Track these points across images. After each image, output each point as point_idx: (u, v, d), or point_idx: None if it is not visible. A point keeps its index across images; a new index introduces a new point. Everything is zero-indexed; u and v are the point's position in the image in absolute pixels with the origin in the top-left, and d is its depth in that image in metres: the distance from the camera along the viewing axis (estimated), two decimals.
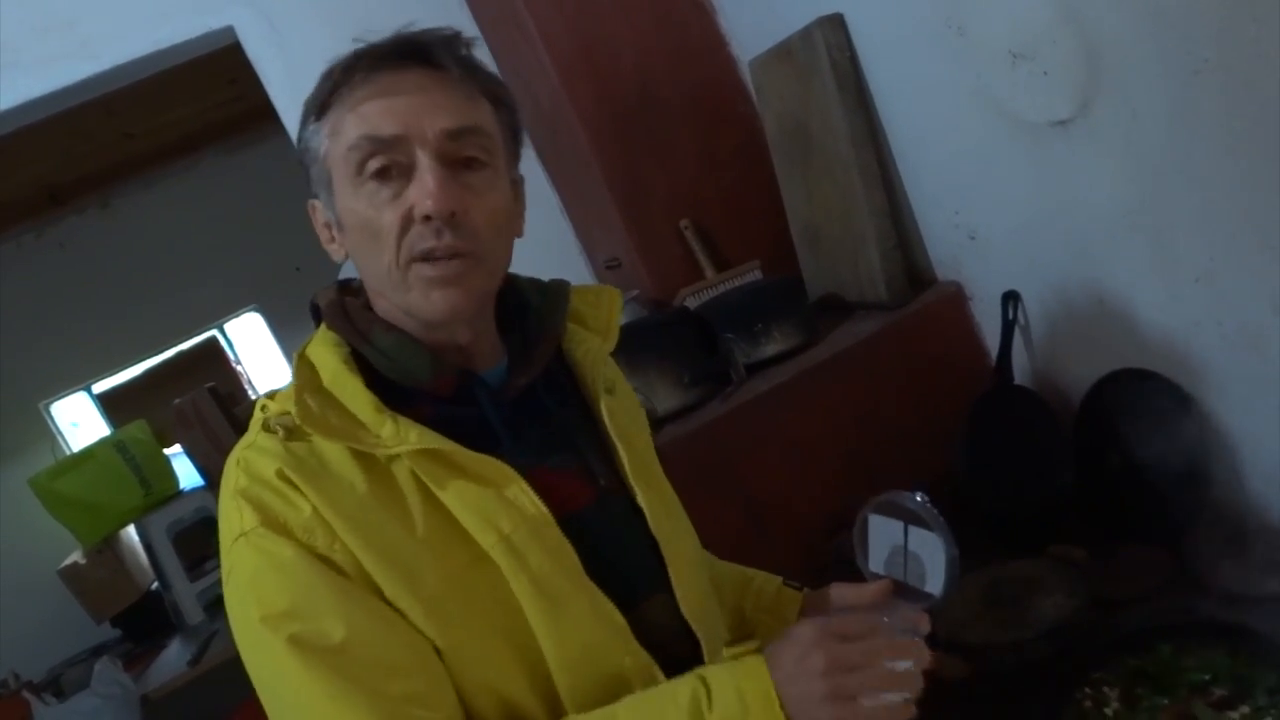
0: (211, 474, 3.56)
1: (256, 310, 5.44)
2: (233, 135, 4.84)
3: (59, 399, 5.21)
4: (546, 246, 2.35)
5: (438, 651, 0.78)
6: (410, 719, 0.75)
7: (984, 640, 1.15)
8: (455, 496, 0.80)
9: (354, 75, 0.82)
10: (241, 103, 4.33)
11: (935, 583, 0.78)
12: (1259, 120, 0.96)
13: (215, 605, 3.52)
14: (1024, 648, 1.11)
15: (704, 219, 1.97)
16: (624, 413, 0.97)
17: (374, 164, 0.81)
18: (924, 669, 0.76)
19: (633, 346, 1.54)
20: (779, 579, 1.10)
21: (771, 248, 1.91)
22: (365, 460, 0.80)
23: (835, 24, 1.57)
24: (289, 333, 5.29)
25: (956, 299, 1.61)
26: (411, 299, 0.83)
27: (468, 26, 1.92)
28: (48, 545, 4.13)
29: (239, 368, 5.42)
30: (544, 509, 0.82)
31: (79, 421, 5.28)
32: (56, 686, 3.41)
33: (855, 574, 0.87)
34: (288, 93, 2.25)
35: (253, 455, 0.81)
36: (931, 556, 0.78)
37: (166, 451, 3.95)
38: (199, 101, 4.21)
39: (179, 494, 3.79)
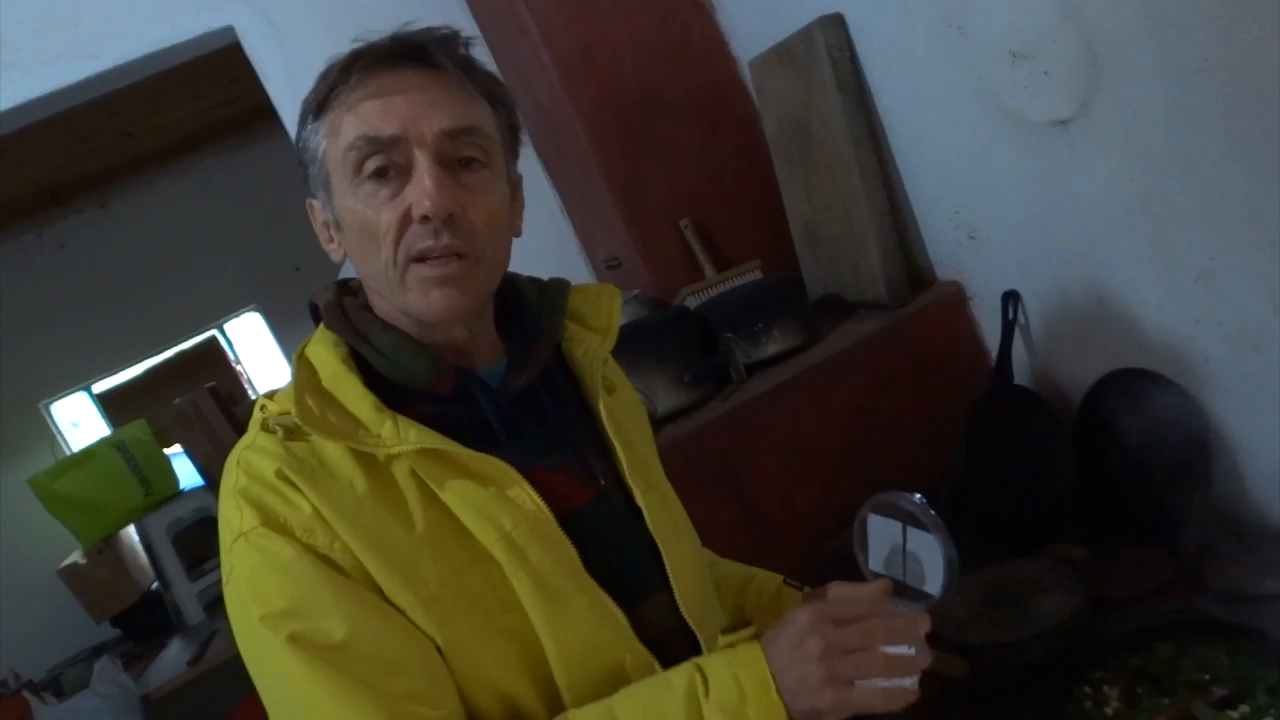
0: (211, 474, 3.56)
1: (256, 310, 5.44)
2: (233, 135, 4.85)
3: (59, 399, 5.21)
4: (546, 246, 2.35)
5: (438, 649, 0.79)
6: (412, 717, 0.75)
7: (984, 640, 1.15)
8: (455, 495, 0.80)
9: (351, 75, 0.82)
10: (241, 102, 4.33)
11: (934, 583, 0.78)
12: (1259, 120, 0.96)
13: (215, 605, 3.52)
14: (1024, 647, 1.11)
15: (704, 218, 1.97)
16: (624, 412, 0.97)
17: (372, 164, 0.81)
18: (925, 664, 0.76)
19: (633, 346, 1.54)
20: (780, 577, 1.10)
21: (771, 247, 1.91)
22: (364, 460, 0.80)
23: (835, 24, 1.56)
24: (289, 333, 5.30)
25: (956, 299, 1.61)
26: (410, 299, 0.83)
27: (468, 26, 1.92)
28: (48, 545, 4.13)
29: (239, 368, 5.42)
30: (544, 507, 0.83)
31: (79, 421, 5.29)
32: (56, 686, 3.41)
33: (855, 574, 0.87)
34: (287, 92, 2.25)
35: (252, 455, 0.81)
36: (930, 558, 0.78)
37: (166, 451, 3.96)
38: (199, 101, 4.22)
39: (179, 494, 3.80)
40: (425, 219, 0.80)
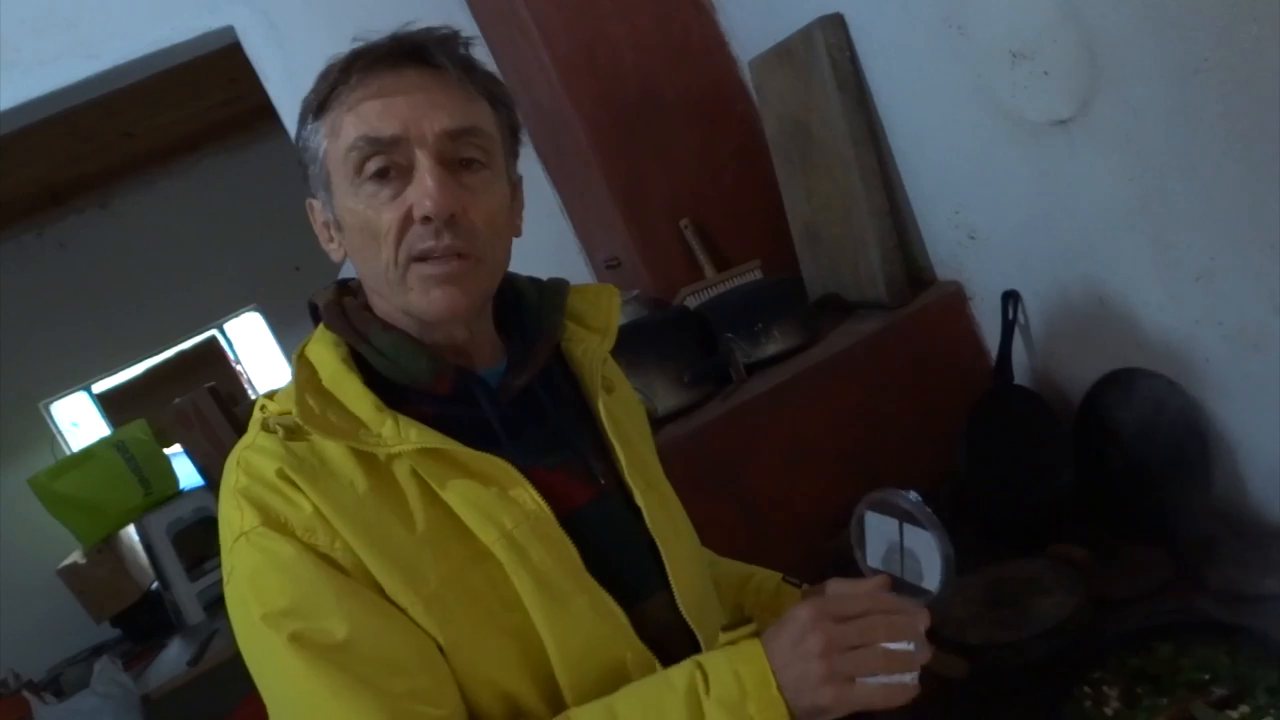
0: (211, 474, 3.57)
1: (256, 310, 5.44)
2: (233, 135, 4.85)
3: (59, 399, 5.21)
4: (546, 246, 2.35)
5: (439, 648, 0.79)
6: (414, 716, 0.75)
7: (984, 640, 1.15)
8: (456, 494, 0.80)
9: (351, 75, 0.82)
10: (241, 102, 4.33)
11: (932, 579, 0.78)
12: (1259, 120, 0.96)
13: (215, 605, 3.52)
14: (1024, 647, 1.11)
15: (704, 218, 1.97)
16: (623, 412, 0.97)
17: (373, 164, 0.81)
18: (925, 660, 0.76)
19: (633, 346, 1.54)
20: (778, 575, 1.11)
21: (771, 247, 1.91)
22: (365, 459, 0.80)
23: (835, 24, 1.57)
24: (289, 333, 5.30)
25: (956, 299, 1.61)
26: (411, 298, 0.83)
27: (468, 26, 1.92)
28: (48, 545, 4.13)
29: (239, 368, 5.42)
30: (545, 506, 0.83)
31: (79, 421, 5.28)
32: (56, 686, 3.41)
33: (854, 574, 0.87)
34: (287, 92, 2.25)
35: (252, 455, 0.81)
36: (927, 554, 0.79)
37: (166, 451, 3.96)
38: (199, 101, 4.22)
39: (179, 494, 3.80)
40: (427, 219, 0.80)
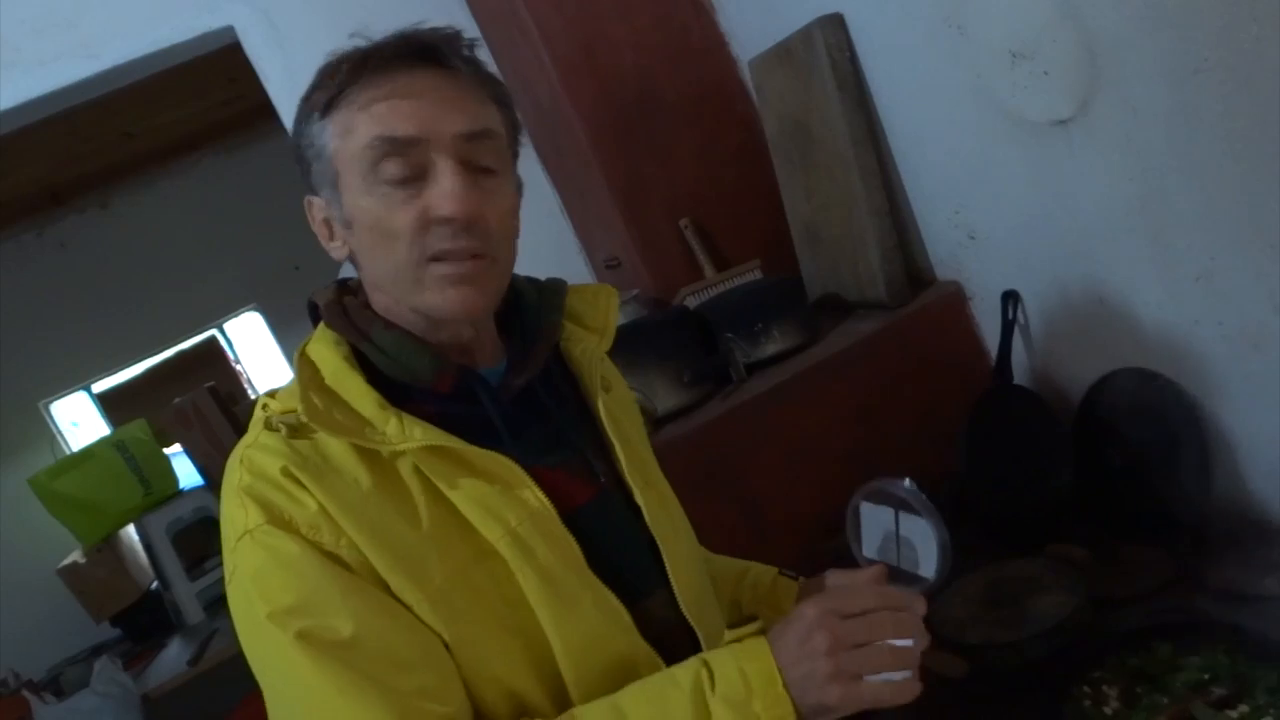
0: (211, 473, 3.57)
1: (256, 310, 5.44)
2: (232, 135, 4.85)
3: (59, 399, 5.21)
4: (546, 246, 2.35)
5: (445, 646, 0.79)
6: (422, 713, 0.75)
7: (984, 640, 1.15)
8: (460, 492, 0.81)
9: (364, 74, 0.82)
10: (241, 102, 4.33)
11: (928, 566, 0.79)
12: (1259, 120, 0.96)
13: (215, 605, 3.52)
14: (1023, 647, 1.11)
15: (704, 218, 1.97)
16: (621, 411, 0.97)
17: (389, 164, 0.81)
18: (923, 648, 0.76)
19: (633, 346, 1.54)
20: (774, 569, 1.11)
21: (771, 247, 1.91)
22: (368, 457, 0.80)
23: (835, 24, 1.57)
24: (288, 332, 5.30)
25: (956, 298, 1.61)
26: (426, 297, 0.83)
27: (468, 26, 1.92)
28: (48, 545, 4.13)
29: (239, 367, 5.42)
30: (548, 503, 0.83)
31: (79, 421, 5.29)
32: (56, 685, 3.41)
33: (853, 569, 0.87)
34: (287, 92, 2.25)
35: (256, 453, 0.81)
36: (923, 541, 0.79)
37: (166, 451, 3.96)
38: (199, 101, 4.22)
39: (179, 493, 3.80)
40: (448, 221, 0.81)
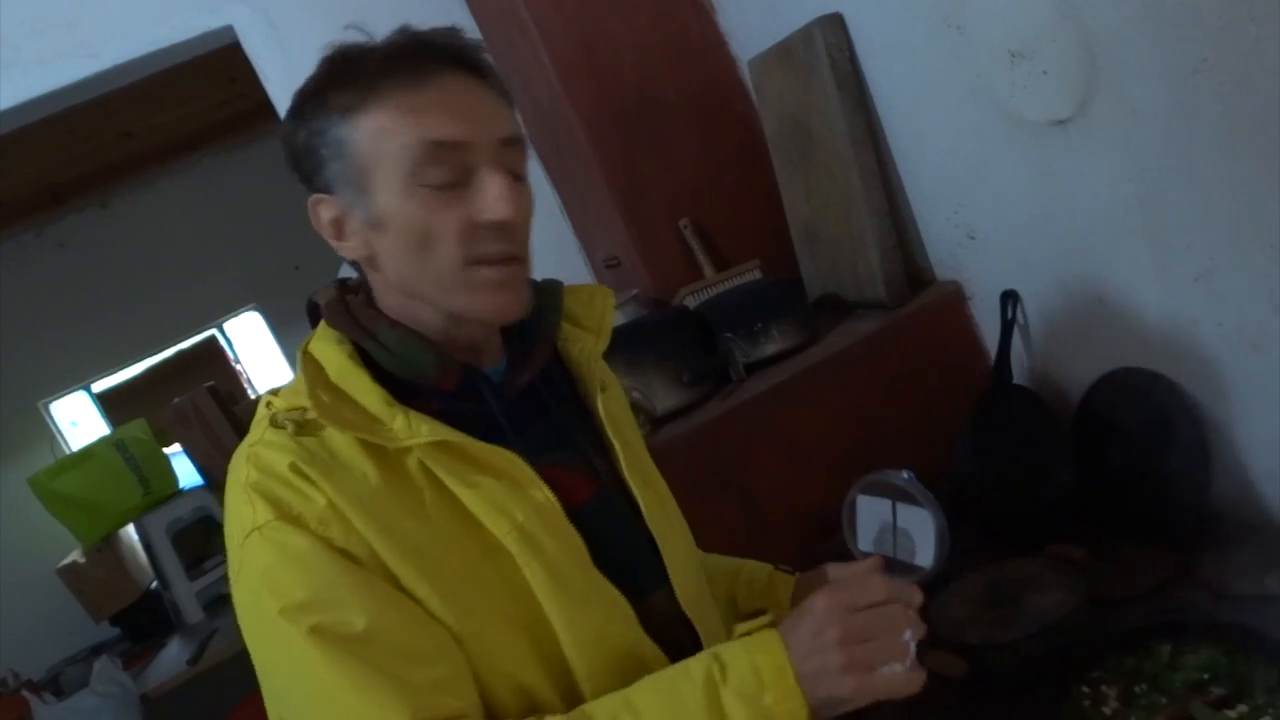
0: (211, 473, 3.57)
1: (256, 310, 5.44)
2: (233, 135, 4.85)
3: (59, 398, 5.21)
4: (546, 246, 2.34)
5: (456, 640, 0.79)
6: (436, 707, 0.75)
7: (982, 639, 1.15)
8: (467, 488, 0.81)
9: (396, 74, 0.81)
10: (241, 102, 4.34)
11: (925, 555, 0.79)
12: (1259, 120, 0.96)
13: (214, 605, 3.53)
14: (1022, 647, 1.11)
15: (704, 218, 1.97)
16: (618, 411, 0.98)
17: (432, 168, 0.81)
18: (920, 634, 0.77)
19: (632, 346, 1.54)
20: (769, 566, 1.11)
21: (771, 247, 1.91)
22: (376, 453, 0.81)
23: (835, 23, 1.57)
24: (288, 332, 5.30)
25: (955, 298, 1.61)
26: (470, 299, 0.84)
27: (468, 26, 1.92)
28: (47, 545, 4.14)
29: (238, 367, 5.43)
30: (554, 499, 0.84)
31: (79, 421, 5.29)
32: (56, 685, 3.42)
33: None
34: (287, 92, 2.23)
35: (263, 450, 0.81)
36: (921, 530, 0.79)
37: (166, 451, 3.96)
38: (199, 101, 4.22)
39: (178, 493, 3.80)
40: (498, 225, 0.82)
